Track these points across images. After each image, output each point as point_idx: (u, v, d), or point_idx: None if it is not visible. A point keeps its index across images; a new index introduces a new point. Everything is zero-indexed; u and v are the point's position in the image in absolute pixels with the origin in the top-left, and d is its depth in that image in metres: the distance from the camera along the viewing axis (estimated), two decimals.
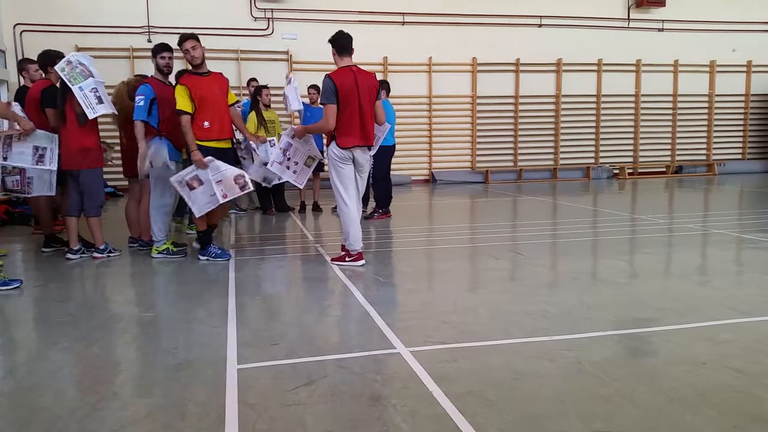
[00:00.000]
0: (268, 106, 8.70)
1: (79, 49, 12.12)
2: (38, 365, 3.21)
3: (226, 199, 5.59)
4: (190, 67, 5.78)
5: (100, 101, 5.58)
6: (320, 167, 8.26)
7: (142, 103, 5.71)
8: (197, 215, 5.67)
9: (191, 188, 5.54)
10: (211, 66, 5.83)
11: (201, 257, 5.78)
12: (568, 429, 2.33)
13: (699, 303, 4.08)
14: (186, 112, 5.45)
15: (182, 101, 5.45)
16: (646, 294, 4.35)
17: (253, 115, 8.46)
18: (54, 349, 3.43)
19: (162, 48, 5.93)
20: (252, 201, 9.71)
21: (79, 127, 5.63)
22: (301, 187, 6.48)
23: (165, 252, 5.92)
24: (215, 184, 5.47)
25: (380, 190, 8.48)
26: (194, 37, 5.60)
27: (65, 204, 6.16)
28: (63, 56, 6.16)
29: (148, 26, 12.88)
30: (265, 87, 8.71)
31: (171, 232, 6.33)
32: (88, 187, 5.79)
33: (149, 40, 12.57)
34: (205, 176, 5.47)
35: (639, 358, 3.15)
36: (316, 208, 9.36)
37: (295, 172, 5.98)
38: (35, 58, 6.62)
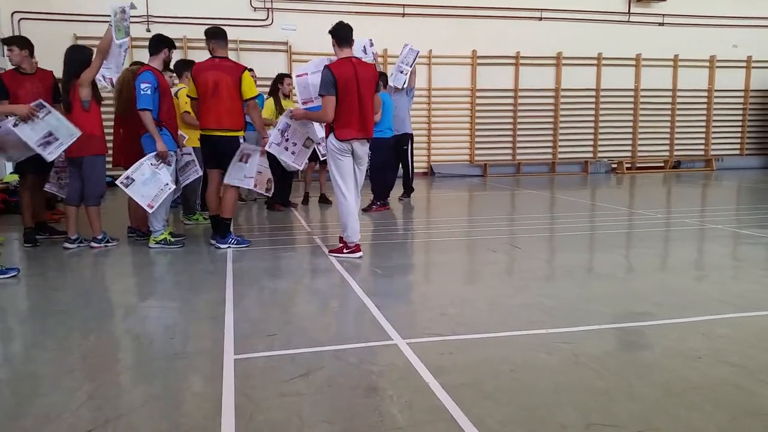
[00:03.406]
0: (287, 96, 8.60)
1: (77, 38, 12.10)
2: (35, 354, 3.21)
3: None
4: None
5: (119, 67, 5.93)
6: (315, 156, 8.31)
7: (149, 92, 5.58)
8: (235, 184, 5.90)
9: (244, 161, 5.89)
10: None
11: (221, 246, 5.80)
12: (565, 421, 2.34)
13: (695, 297, 4.09)
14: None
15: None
16: (643, 288, 4.36)
17: (271, 102, 8.32)
18: (51, 338, 3.42)
19: (173, 45, 6.03)
20: (250, 192, 9.61)
21: (85, 113, 5.61)
22: (300, 168, 6.44)
23: (163, 242, 5.91)
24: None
25: (378, 182, 8.46)
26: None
27: (43, 194, 6.25)
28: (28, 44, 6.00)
29: (147, 15, 12.82)
30: (288, 76, 8.60)
31: (169, 223, 6.32)
32: (90, 175, 5.78)
33: (148, 30, 12.51)
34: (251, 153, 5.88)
35: (635, 351, 3.15)
36: (324, 200, 9.30)
37: (293, 153, 5.96)
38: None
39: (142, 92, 5.56)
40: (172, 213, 7.72)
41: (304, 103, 6.05)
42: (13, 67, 5.88)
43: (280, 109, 8.30)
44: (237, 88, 5.66)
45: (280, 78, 8.53)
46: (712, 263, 5.29)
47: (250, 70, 9.44)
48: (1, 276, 4.72)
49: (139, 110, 5.58)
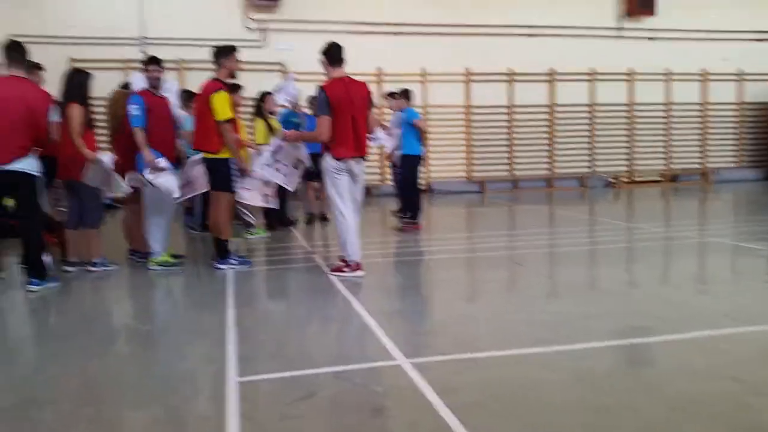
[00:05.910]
0: (273, 113, 8.38)
1: (73, 61, 12.12)
2: (37, 378, 3.18)
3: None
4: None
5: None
6: (312, 176, 8.31)
7: (138, 112, 5.68)
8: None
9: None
10: (205, 78, 5.86)
11: (221, 267, 5.74)
12: None
13: (696, 312, 4.09)
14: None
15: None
16: (645, 303, 4.36)
17: (260, 124, 8.07)
18: (53, 362, 3.40)
19: (149, 61, 5.96)
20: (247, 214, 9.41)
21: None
22: (292, 189, 6.48)
23: (163, 264, 5.88)
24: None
25: (408, 200, 8.31)
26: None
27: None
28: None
29: (141, 38, 12.88)
30: (269, 93, 8.36)
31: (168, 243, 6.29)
32: (88, 199, 5.74)
33: (143, 52, 12.56)
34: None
35: (638, 368, 3.15)
36: (323, 219, 9.17)
37: (285, 174, 5.98)
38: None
39: (131, 113, 5.74)
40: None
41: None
42: None
43: (271, 130, 8.18)
44: (208, 107, 5.56)
45: (262, 97, 8.28)
46: (713, 277, 5.30)
47: (236, 87, 9.14)
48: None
49: (132, 129, 5.72)
